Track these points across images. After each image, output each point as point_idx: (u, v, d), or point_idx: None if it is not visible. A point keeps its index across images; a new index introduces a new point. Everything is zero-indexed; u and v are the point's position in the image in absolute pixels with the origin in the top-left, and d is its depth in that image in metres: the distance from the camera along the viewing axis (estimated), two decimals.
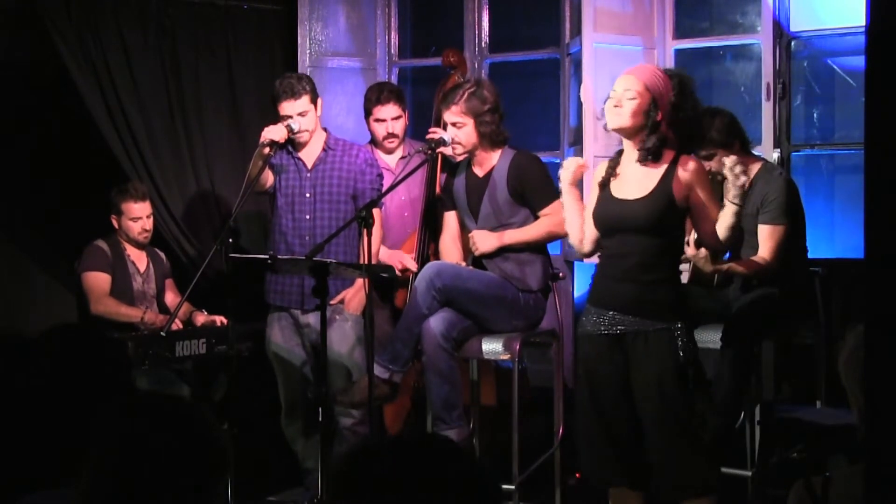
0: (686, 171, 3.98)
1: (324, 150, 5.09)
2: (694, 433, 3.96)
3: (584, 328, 4.07)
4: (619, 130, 4.02)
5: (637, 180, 4.00)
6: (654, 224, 3.96)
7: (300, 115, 4.97)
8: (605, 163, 4.15)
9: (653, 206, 3.96)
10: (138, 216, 5.34)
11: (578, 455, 4.14)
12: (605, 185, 4.07)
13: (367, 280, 4.41)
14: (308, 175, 5.07)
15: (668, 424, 3.90)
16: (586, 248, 4.19)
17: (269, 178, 5.08)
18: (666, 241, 4.01)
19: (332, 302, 4.93)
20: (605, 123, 4.06)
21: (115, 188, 5.38)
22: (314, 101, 5.03)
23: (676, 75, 4.07)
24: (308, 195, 5.05)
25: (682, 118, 4.01)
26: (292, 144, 5.07)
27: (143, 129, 5.71)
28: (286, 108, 4.97)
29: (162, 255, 5.58)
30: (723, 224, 4.01)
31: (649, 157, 3.98)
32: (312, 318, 4.98)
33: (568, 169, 4.15)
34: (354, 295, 5.02)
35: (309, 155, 5.10)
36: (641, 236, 3.97)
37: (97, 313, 5.21)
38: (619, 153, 4.10)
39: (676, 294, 4.05)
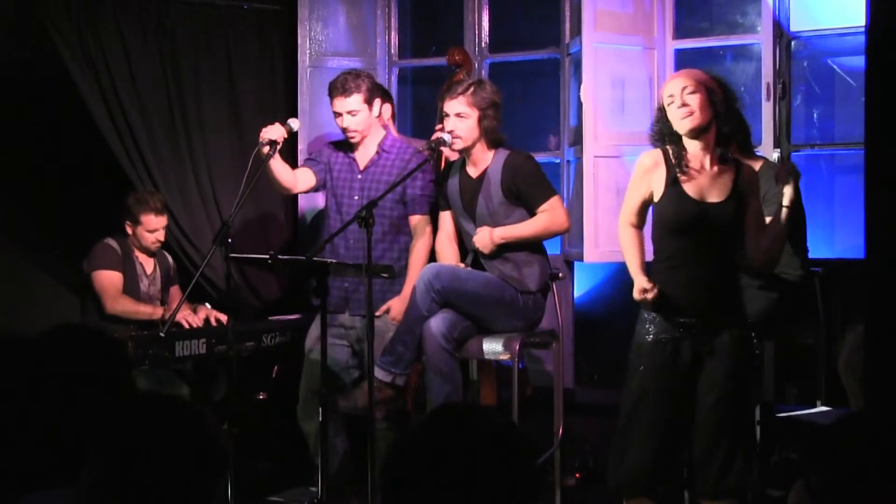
0: (747, 175, 3.97)
1: (377, 152, 5.08)
2: (750, 436, 3.94)
3: (649, 336, 3.94)
4: (693, 131, 3.92)
5: (713, 181, 3.93)
6: (736, 228, 3.93)
7: (349, 113, 4.98)
8: (659, 156, 4.00)
9: (736, 209, 3.92)
10: (155, 228, 5.35)
11: (614, 464, 4.02)
12: (674, 181, 3.95)
13: (369, 280, 4.39)
14: (359, 177, 5.07)
15: (733, 424, 3.88)
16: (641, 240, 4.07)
17: (295, 180, 5.06)
18: (736, 244, 3.97)
19: (377, 312, 4.89)
20: (665, 132, 3.95)
21: (133, 196, 5.37)
22: (369, 101, 5.02)
23: (715, 77, 4.02)
24: (356, 197, 5.03)
25: (733, 117, 3.98)
26: (346, 143, 5.08)
27: (143, 129, 5.70)
28: (336, 104, 5.01)
29: (169, 257, 5.58)
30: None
31: (727, 157, 3.94)
32: (359, 321, 4.98)
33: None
34: (399, 304, 4.94)
35: (363, 156, 5.10)
36: (722, 240, 3.93)
37: (114, 312, 5.21)
38: (676, 146, 3.97)
39: (742, 296, 4.04)
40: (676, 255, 3.94)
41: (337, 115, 5.01)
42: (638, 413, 3.93)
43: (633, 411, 3.95)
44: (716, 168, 3.94)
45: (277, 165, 4.97)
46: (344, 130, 5.03)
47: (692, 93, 3.89)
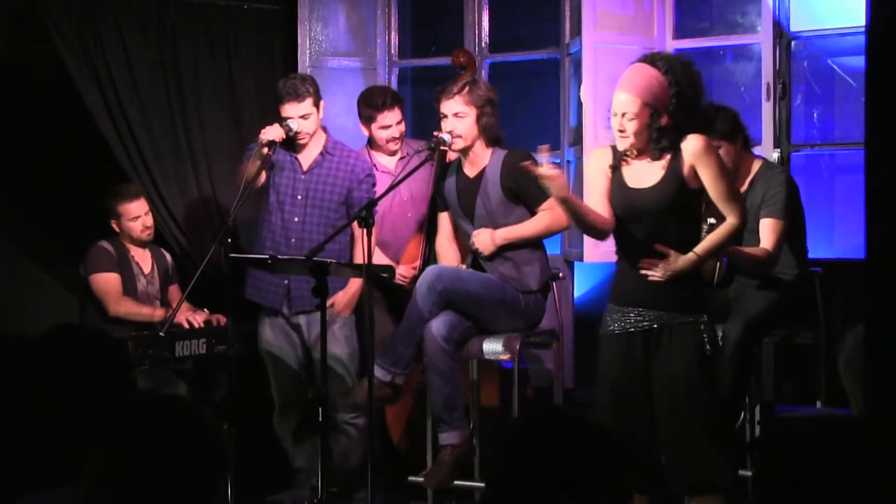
0: (687, 149, 3.90)
1: (321, 154, 5.07)
2: (716, 428, 3.91)
3: (607, 328, 3.99)
4: (630, 149, 3.95)
5: (648, 169, 3.93)
6: (666, 210, 3.89)
7: (302, 117, 4.96)
8: (606, 149, 4.05)
9: (664, 191, 3.89)
10: (136, 215, 5.34)
11: None
12: (616, 168, 3.98)
13: (369, 280, 4.39)
14: (302, 177, 5.06)
15: (692, 418, 3.85)
16: (610, 225, 3.99)
17: (262, 175, 5.07)
18: (681, 228, 3.93)
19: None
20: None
21: (107, 194, 5.37)
22: (317, 104, 5.02)
23: (666, 63, 3.95)
24: (300, 197, 5.04)
25: (684, 100, 3.94)
26: (291, 144, 5.06)
27: (143, 129, 5.71)
28: (289, 110, 4.96)
29: (167, 255, 5.57)
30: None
31: (661, 154, 3.94)
32: (303, 318, 5.00)
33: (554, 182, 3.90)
34: (343, 297, 5.01)
35: (306, 157, 5.08)
36: (656, 224, 3.91)
37: (117, 314, 5.20)
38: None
39: (699, 286, 4.00)
40: (626, 246, 3.98)
41: (287, 119, 4.96)
42: (606, 407, 3.94)
43: (601, 405, 3.97)
44: (650, 155, 3.93)
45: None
46: (295, 135, 4.99)
47: (631, 119, 3.88)
